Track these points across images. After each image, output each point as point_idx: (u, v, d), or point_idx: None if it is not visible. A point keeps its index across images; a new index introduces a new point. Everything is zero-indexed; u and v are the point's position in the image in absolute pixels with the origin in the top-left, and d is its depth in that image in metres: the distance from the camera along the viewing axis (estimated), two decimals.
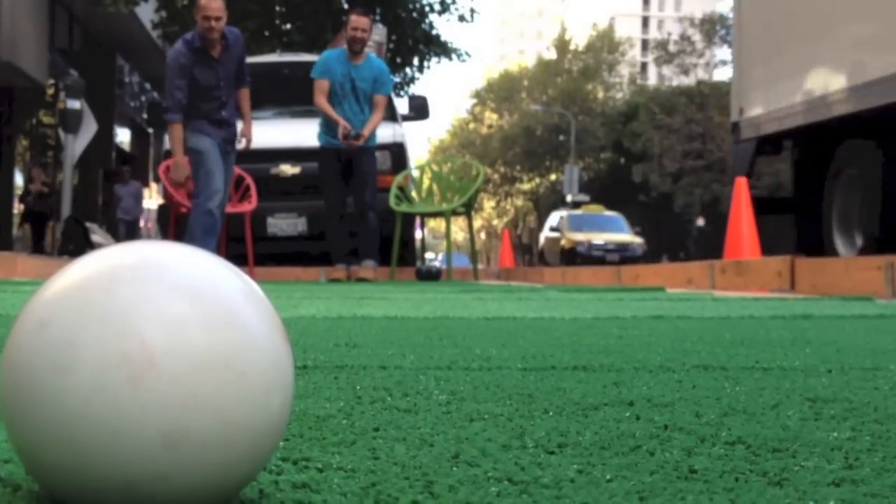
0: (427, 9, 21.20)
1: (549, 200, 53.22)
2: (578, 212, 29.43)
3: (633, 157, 44.03)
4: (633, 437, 1.05)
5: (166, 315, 0.65)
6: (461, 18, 21.69)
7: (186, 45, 7.02)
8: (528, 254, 46.08)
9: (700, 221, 41.20)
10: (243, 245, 8.92)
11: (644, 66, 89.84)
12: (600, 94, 54.55)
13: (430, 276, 9.63)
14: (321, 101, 8.07)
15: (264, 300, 0.71)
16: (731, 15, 38.50)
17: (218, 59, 7.07)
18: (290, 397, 0.71)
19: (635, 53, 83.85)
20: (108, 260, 0.69)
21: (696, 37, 40.91)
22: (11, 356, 0.67)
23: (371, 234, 8.28)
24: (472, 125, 62.14)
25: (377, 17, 19.98)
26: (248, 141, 7.46)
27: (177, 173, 7.32)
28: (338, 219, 8.32)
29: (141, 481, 0.65)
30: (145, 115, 25.63)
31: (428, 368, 1.72)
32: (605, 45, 57.50)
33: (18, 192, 18.58)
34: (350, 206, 8.33)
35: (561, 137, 52.07)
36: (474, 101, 62.01)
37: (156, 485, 0.65)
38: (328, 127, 8.13)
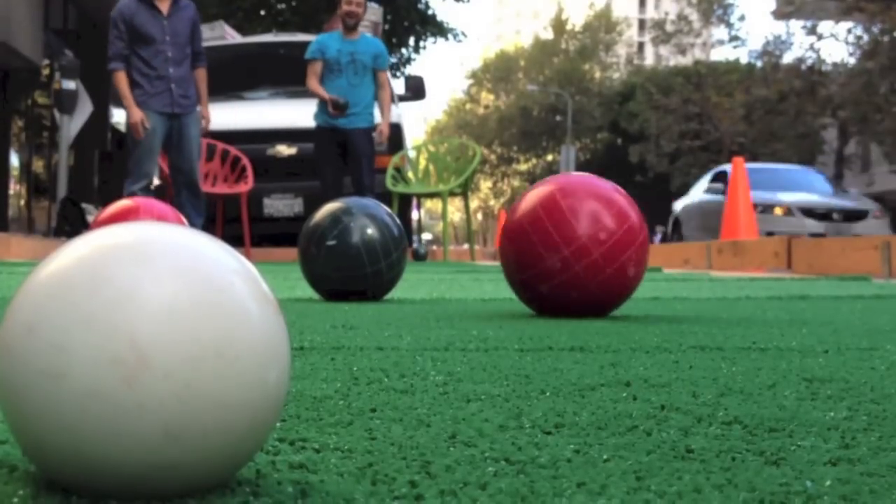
0: None
1: None
2: None
3: (629, 138, 43.95)
4: (630, 417, 1.05)
5: (153, 309, 0.64)
6: None
7: None
8: None
9: None
10: (239, 226, 8.91)
11: (641, 45, 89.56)
12: (597, 75, 54.41)
13: (418, 257, 9.65)
14: (313, 83, 8.04)
15: (255, 277, 0.70)
16: None
17: (165, 15, 6.98)
18: (286, 374, 0.71)
19: (632, 33, 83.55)
20: (92, 248, 0.67)
21: (694, 16, 40.73)
22: (1, 362, 0.66)
23: None
24: (468, 106, 61.96)
25: None
26: (207, 122, 7.33)
27: (132, 115, 6.94)
28: (334, 199, 8.27)
29: (147, 475, 0.65)
30: None
31: (425, 349, 1.72)
32: (602, 25, 57.30)
33: (15, 173, 18.51)
34: (347, 187, 8.29)
35: (557, 118, 51.96)
36: (471, 81, 61.82)
37: (161, 476, 0.65)
38: (324, 106, 8.10)
